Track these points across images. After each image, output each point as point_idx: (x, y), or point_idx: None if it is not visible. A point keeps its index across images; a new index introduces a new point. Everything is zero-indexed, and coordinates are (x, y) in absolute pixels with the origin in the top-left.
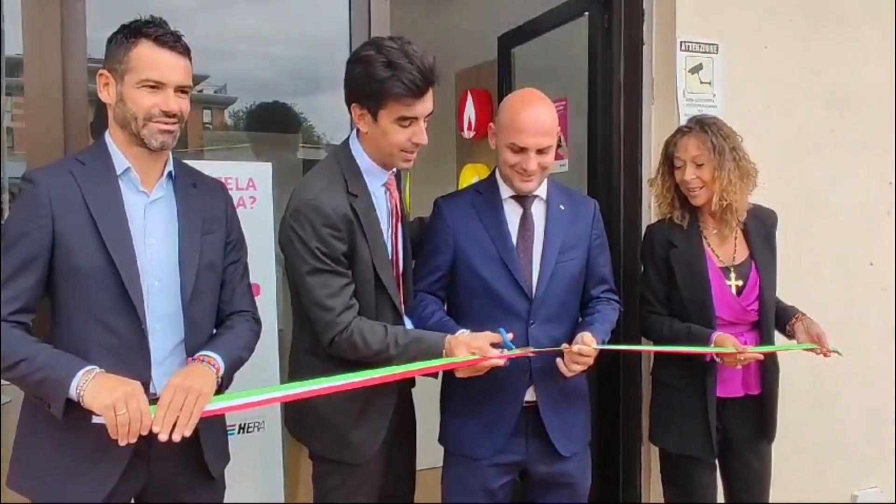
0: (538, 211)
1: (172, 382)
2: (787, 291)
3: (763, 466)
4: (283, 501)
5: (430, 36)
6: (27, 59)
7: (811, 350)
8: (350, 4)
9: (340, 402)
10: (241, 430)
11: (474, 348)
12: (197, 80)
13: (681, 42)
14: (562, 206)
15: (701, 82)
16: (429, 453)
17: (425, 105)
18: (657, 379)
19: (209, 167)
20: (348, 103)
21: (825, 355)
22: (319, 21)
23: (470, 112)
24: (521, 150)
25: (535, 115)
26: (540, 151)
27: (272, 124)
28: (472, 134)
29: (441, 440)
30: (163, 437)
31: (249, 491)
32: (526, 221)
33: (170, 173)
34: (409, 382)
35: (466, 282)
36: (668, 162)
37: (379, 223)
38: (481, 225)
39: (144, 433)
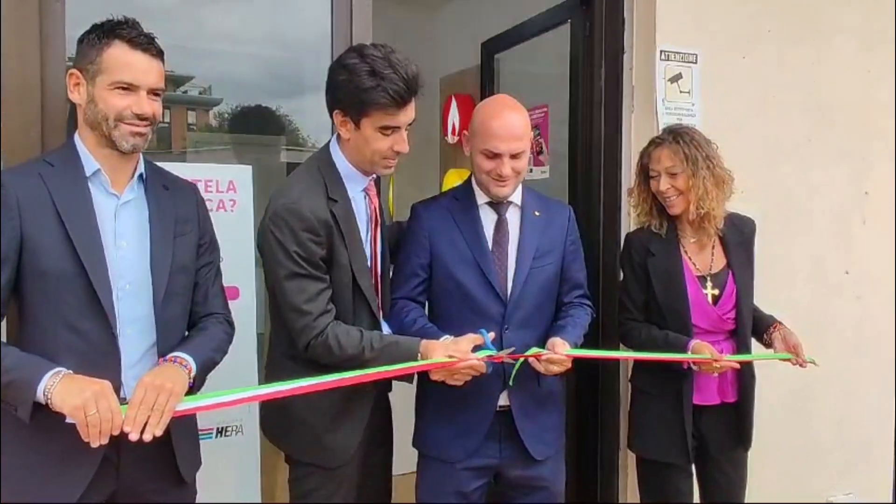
0: (513, 217)
1: (144, 381)
2: (762, 299)
3: (739, 473)
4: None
5: (413, 41)
6: (4, 58)
7: (787, 360)
8: (332, 8)
9: (317, 405)
10: (220, 434)
11: (453, 352)
12: (181, 80)
13: (660, 51)
14: (536, 213)
15: (680, 91)
16: (405, 458)
17: (408, 114)
18: (635, 386)
19: (190, 169)
20: (330, 109)
21: (801, 366)
22: (302, 24)
23: (454, 117)
24: (495, 155)
25: (508, 121)
26: (513, 156)
27: (256, 126)
28: (455, 139)
29: (415, 444)
30: (133, 437)
31: (227, 493)
32: (501, 227)
33: (140, 175)
34: (386, 386)
35: (442, 285)
36: (644, 172)
37: (358, 229)
38: (458, 230)
39: (116, 433)
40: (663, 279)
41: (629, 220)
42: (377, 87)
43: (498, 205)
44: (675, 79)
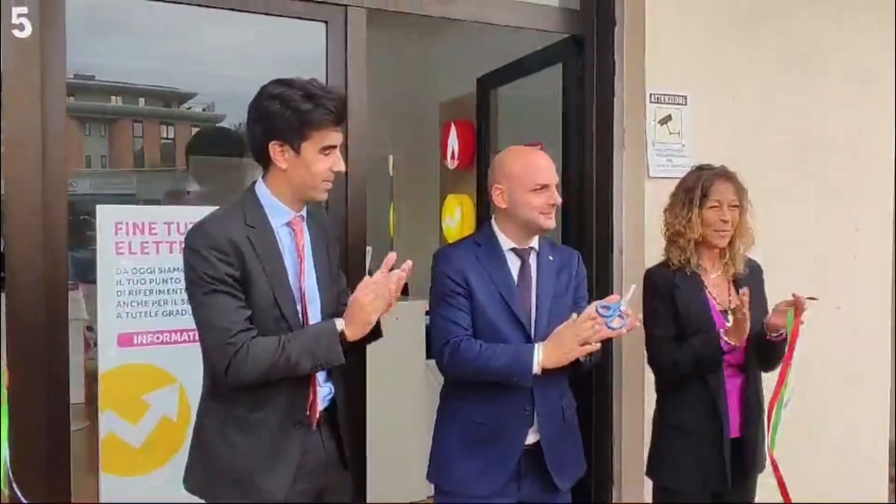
0: (533, 261)
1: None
2: None
3: (751, 495)
4: None
5: (412, 66)
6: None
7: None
8: (326, 33)
9: (241, 449)
10: None
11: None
12: (184, 97)
13: (650, 94)
14: (550, 258)
15: (670, 132)
16: (413, 488)
17: (341, 133)
18: (667, 423)
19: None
20: (263, 143)
21: (803, 306)
22: (299, 46)
23: (453, 143)
24: (544, 187)
25: (543, 157)
26: (557, 187)
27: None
28: (455, 164)
29: (433, 478)
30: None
31: None
32: (525, 271)
33: None
34: (326, 422)
35: (474, 324)
36: (699, 201)
37: (281, 258)
38: (486, 272)
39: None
40: (693, 312)
41: (621, 257)
42: (317, 108)
43: (522, 251)
44: (665, 120)
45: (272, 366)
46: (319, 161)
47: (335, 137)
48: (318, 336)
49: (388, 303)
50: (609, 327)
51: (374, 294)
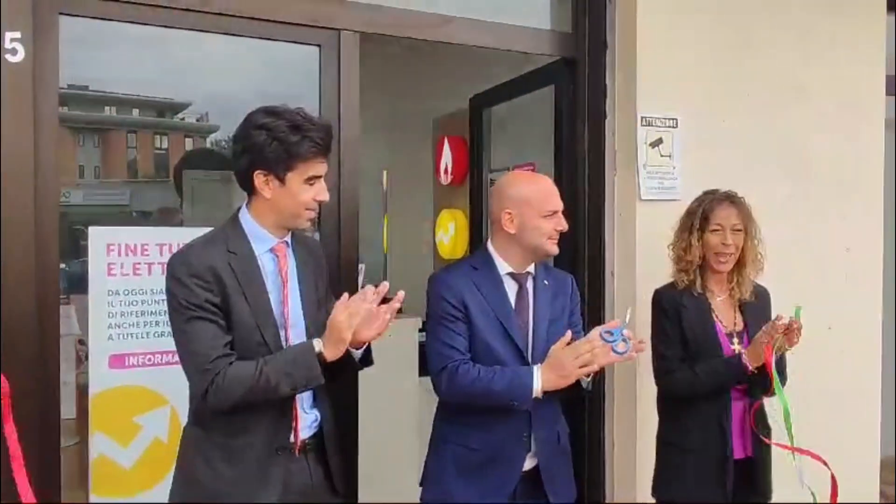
0: (530, 286)
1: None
2: None
3: None
4: None
5: (406, 82)
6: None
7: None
8: (320, 48)
9: (224, 474)
10: None
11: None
12: (178, 107)
13: (641, 117)
14: (546, 282)
15: (661, 155)
16: None
17: (326, 164)
18: (669, 441)
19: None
20: (248, 172)
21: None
22: (294, 56)
23: (447, 158)
24: (555, 213)
25: (550, 182)
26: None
27: None
28: (448, 179)
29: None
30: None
31: None
32: (522, 296)
33: None
34: (315, 446)
35: (472, 348)
36: (700, 226)
37: (263, 283)
38: (483, 298)
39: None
40: (699, 333)
41: (614, 280)
42: (304, 140)
43: (519, 275)
44: (656, 143)
45: (251, 389)
46: (304, 191)
47: (320, 168)
48: (295, 356)
49: (374, 325)
50: (615, 352)
51: (347, 312)
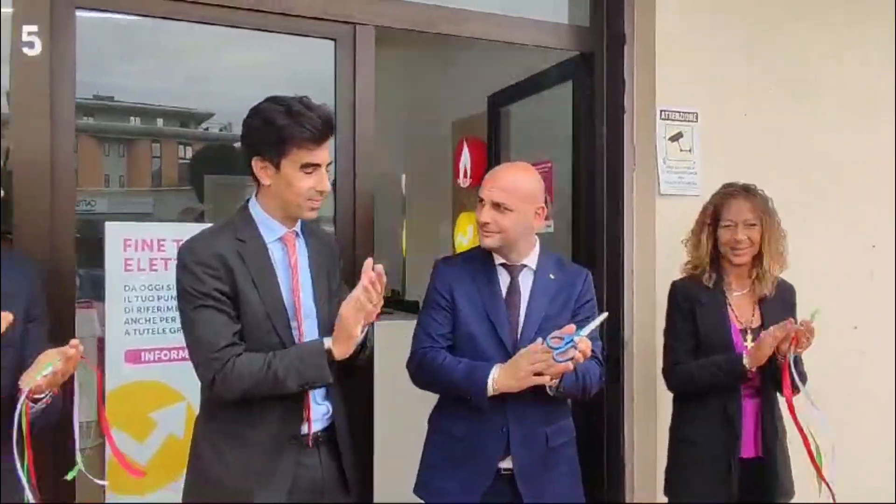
0: (526, 280)
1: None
2: None
3: None
4: None
5: (424, 85)
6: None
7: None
8: (335, 52)
9: (234, 464)
10: None
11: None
12: (201, 117)
13: (660, 111)
14: (551, 276)
15: (681, 150)
16: None
17: (326, 153)
18: (680, 437)
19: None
20: (249, 159)
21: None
22: (314, 63)
23: (465, 161)
24: (480, 201)
25: (498, 171)
26: (496, 206)
27: None
28: (467, 182)
29: (417, 489)
30: None
31: None
32: (513, 289)
33: None
34: (327, 440)
35: (456, 338)
36: (713, 221)
37: (273, 271)
38: (474, 286)
39: None
40: (711, 328)
41: (632, 276)
42: (295, 123)
43: (511, 267)
44: (676, 137)
45: (258, 382)
46: (300, 179)
47: (317, 156)
48: (304, 354)
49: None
50: (555, 359)
51: (354, 308)
